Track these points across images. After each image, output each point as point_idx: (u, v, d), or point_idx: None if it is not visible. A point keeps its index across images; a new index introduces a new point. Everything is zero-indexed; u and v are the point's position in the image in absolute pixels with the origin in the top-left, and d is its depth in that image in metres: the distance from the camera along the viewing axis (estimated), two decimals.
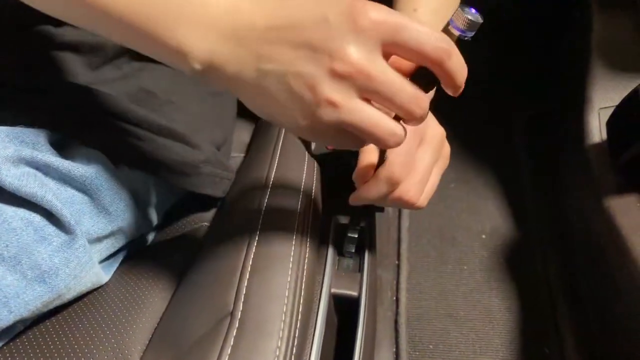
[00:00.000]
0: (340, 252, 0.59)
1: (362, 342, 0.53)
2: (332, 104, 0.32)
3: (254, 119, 0.73)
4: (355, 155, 0.47)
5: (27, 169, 0.41)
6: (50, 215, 0.42)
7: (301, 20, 0.32)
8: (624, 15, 0.82)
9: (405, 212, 1.01)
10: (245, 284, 0.43)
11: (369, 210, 0.63)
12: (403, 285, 0.89)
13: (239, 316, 0.41)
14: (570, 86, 0.89)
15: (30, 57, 0.49)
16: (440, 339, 0.84)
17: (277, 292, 0.43)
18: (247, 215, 0.50)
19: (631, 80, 0.73)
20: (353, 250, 0.58)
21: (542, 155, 1.06)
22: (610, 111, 0.67)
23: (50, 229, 0.42)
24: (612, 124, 0.68)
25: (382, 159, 0.43)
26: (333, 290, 0.55)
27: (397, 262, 0.93)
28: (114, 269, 0.52)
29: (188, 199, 0.59)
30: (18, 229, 0.40)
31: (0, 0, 0.46)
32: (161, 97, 0.54)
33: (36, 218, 0.42)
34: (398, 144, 0.35)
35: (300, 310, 0.43)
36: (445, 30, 0.34)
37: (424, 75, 0.33)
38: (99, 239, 0.48)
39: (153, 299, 0.49)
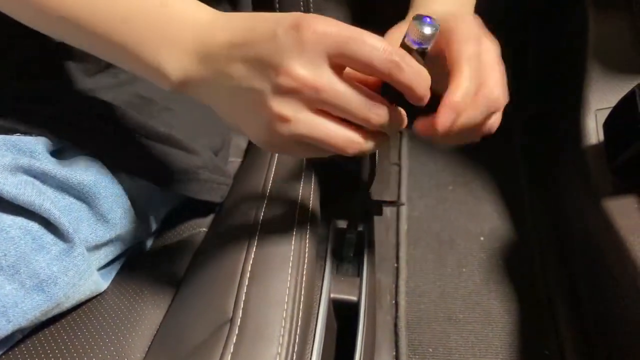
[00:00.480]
0: (339, 257, 0.59)
1: (362, 347, 0.53)
2: (283, 119, 0.32)
3: None
4: (351, 160, 0.47)
5: (25, 177, 0.41)
6: (48, 224, 0.42)
7: (255, 36, 0.33)
8: (620, 17, 0.82)
9: (404, 216, 1.01)
10: (245, 289, 0.43)
11: (367, 214, 0.63)
12: (402, 288, 0.89)
13: (239, 322, 0.41)
14: (568, 87, 0.89)
15: (27, 64, 0.49)
16: (440, 342, 0.83)
17: (277, 297, 0.43)
18: (245, 220, 0.50)
19: (627, 82, 0.73)
20: (352, 254, 0.58)
21: (541, 156, 1.06)
22: (607, 112, 0.67)
23: (49, 237, 0.42)
24: (608, 125, 0.68)
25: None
26: (332, 295, 0.55)
27: (395, 265, 0.93)
28: (113, 276, 0.52)
29: (186, 204, 0.59)
30: (16, 238, 0.40)
31: None
32: (158, 104, 0.54)
33: (34, 226, 0.41)
34: (359, 151, 0.35)
35: (300, 315, 0.43)
36: (403, 43, 0.34)
37: (388, 87, 0.34)
38: (97, 247, 0.48)
39: (152, 305, 0.49)
